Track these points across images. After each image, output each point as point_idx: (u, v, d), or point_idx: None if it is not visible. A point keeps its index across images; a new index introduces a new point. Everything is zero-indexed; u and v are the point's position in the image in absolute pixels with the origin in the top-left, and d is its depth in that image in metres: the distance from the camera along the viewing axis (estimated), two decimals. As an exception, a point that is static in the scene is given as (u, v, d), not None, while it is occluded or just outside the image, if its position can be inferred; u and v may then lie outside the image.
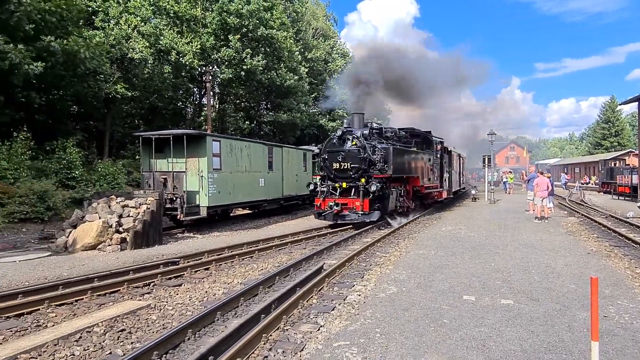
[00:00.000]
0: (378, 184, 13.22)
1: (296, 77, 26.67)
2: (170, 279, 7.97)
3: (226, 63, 22.52)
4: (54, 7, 14.73)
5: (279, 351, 4.64)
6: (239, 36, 21.82)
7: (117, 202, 11.61)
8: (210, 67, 23.10)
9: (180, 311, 6.24)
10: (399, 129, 16.81)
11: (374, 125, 15.44)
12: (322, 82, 32.46)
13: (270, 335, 4.98)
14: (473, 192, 27.45)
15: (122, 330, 5.42)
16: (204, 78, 23.50)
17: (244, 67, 22.41)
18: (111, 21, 18.12)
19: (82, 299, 6.67)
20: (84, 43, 15.51)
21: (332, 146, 14.47)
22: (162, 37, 19.46)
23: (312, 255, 9.62)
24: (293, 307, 5.88)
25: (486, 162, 25.92)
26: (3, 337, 5.21)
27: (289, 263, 8.78)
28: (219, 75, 23.03)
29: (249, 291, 6.73)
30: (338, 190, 14.01)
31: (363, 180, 13.53)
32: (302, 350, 4.61)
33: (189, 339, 4.99)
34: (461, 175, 29.58)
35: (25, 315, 5.97)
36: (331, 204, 13.68)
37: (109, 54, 16.65)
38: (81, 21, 17.63)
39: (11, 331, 5.40)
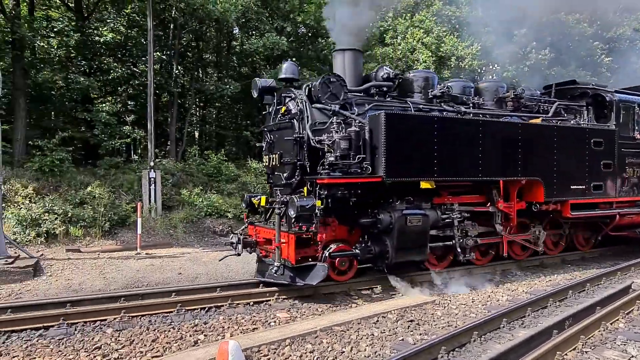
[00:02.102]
0: (309, 202, 6.37)
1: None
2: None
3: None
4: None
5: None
6: (524, 30, 20.54)
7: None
8: (491, 67, 22.51)
9: (464, 311, 6.38)
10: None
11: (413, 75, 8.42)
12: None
13: (566, 355, 4.57)
14: None
15: (411, 320, 5.93)
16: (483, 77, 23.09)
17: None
18: (399, 37, 19.87)
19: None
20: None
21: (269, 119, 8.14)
22: (442, 45, 20.12)
23: (615, 271, 8.27)
24: (593, 327, 5.23)
25: None
26: (321, 311, 6.43)
27: (585, 277, 7.80)
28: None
29: (536, 302, 6.33)
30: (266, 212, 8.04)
31: (306, 189, 6.98)
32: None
33: (474, 340, 5.06)
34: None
35: (335, 295, 7.20)
36: (238, 238, 7.30)
37: (397, 67, 18.35)
38: (374, 41, 19.96)
39: (328, 307, 6.60)
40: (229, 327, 5.64)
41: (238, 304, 6.59)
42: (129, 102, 19.44)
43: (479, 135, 7.67)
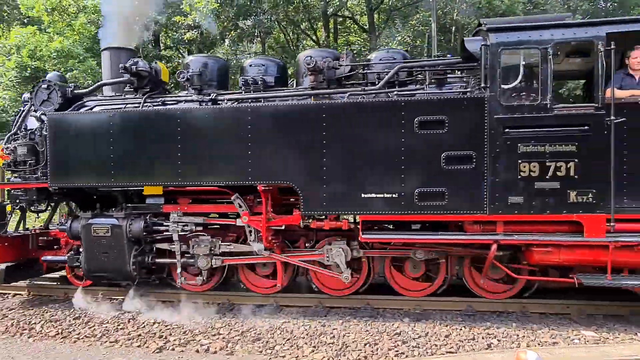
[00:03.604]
0: None
1: None
2: None
3: None
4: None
5: None
6: None
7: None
8: None
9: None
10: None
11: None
12: None
13: None
14: None
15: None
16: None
17: None
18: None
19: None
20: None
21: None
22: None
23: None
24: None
25: None
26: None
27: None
28: None
29: None
30: None
31: None
32: None
33: None
34: None
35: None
36: None
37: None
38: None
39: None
40: (524, 337, 5.26)
41: (532, 312, 6.06)
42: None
43: (177, 130, 6.06)
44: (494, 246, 5.50)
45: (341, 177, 5.72)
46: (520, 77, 5.36)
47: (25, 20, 19.36)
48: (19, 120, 7.14)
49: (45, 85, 6.94)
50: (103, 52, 7.66)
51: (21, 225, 7.27)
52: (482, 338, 5.21)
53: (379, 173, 5.63)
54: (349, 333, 5.43)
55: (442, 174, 5.49)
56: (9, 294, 7.55)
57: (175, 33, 17.10)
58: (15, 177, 6.86)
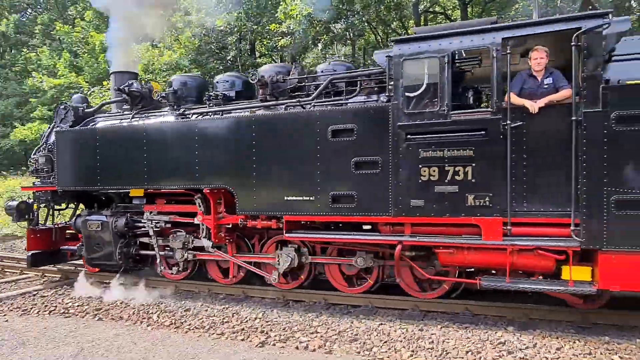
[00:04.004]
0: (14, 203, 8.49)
1: None
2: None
3: None
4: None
5: None
6: None
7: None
8: None
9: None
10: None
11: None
12: None
13: None
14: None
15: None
16: None
17: None
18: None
19: None
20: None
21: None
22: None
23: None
24: None
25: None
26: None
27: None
28: None
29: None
30: None
31: None
32: None
33: None
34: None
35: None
36: None
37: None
38: None
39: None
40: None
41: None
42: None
43: (143, 142, 7.19)
44: (399, 247, 5.80)
45: (268, 182, 6.40)
46: (423, 86, 5.60)
47: (140, 38, 21.87)
48: (45, 135, 8.81)
49: (62, 106, 8.52)
50: (110, 75, 9.11)
51: (49, 220, 8.93)
52: (601, 354, 4.77)
53: (299, 178, 6.22)
54: (448, 339, 5.26)
55: (352, 178, 5.92)
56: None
57: (269, 41, 17.81)
58: (37, 182, 8.51)
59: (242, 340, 5.63)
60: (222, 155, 6.67)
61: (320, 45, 16.22)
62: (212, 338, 5.75)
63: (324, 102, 6.60)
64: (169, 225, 7.54)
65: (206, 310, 6.66)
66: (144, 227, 7.65)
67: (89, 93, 18.60)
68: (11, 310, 7.11)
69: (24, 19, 28.93)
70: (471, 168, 5.38)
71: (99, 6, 12.21)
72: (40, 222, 8.76)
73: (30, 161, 8.61)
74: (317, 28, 14.97)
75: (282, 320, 6.14)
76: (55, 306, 7.20)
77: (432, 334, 5.41)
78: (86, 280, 8.13)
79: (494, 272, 5.86)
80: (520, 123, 5.20)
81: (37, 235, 8.58)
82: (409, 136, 5.64)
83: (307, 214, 6.22)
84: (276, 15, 14.99)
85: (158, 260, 7.63)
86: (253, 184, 6.47)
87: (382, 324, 5.85)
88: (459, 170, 5.44)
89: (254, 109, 6.90)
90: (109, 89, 15.19)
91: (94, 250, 7.84)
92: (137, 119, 7.93)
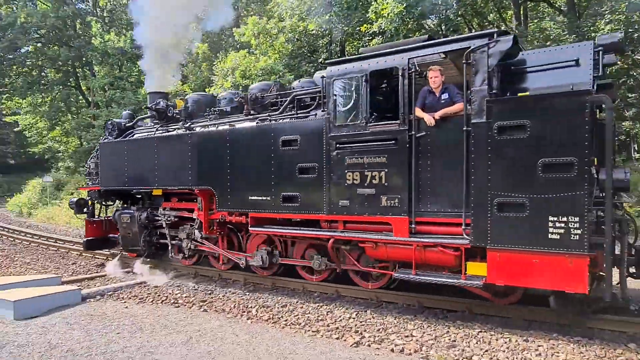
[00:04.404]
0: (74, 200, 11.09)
1: None
2: None
3: None
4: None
5: None
6: None
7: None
8: None
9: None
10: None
11: None
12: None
13: None
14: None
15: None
16: None
17: None
18: None
19: None
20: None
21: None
22: None
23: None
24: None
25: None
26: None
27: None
28: None
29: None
30: None
31: None
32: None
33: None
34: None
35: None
36: None
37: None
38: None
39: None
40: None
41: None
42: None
43: (155, 150, 8.89)
44: (331, 240, 6.74)
45: (237, 184, 7.70)
46: (348, 102, 6.50)
47: (237, 46, 22.77)
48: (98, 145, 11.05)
49: (110, 122, 10.62)
50: (147, 95, 11.11)
51: (102, 214, 11.13)
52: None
53: (259, 181, 7.41)
54: (558, 352, 4.97)
55: (296, 181, 6.98)
56: (230, 279, 8.87)
57: (359, 42, 17.78)
58: (90, 183, 10.72)
59: (337, 339, 5.61)
60: (206, 161, 8.11)
61: (412, 43, 16.24)
62: (308, 335, 5.79)
63: (288, 115, 7.68)
64: (177, 219, 9.16)
65: (302, 307, 6.87)
66: (159, 220, 9.37)
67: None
68: (130, 298, 7.74)
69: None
70: (385, 173, 6.17)
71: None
72: (95, 215, 10.97)
73: (85, 166, 10.87)
74: (410, 25, 14.49)
75: (376, 321, 6.13)
76: (167, 296, 7.73)
77: (539, 346, 5.11)
78: (119, 262, 10.16)
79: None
80: (424, 133, 5.90)
81: (92, 225, 10.78)
82: (338, 145, 6.56)
83: (266, 212, 7.38)
84: (367, 15, 15.01)
85: (170, 248, 9.28)
86: (228, 186, 7.80)
87: (481, 331, 5.63)
88: (375, 175, 6.25)
89: (234, 123, 8.21)
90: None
91: (127, 238, 9.75)
92: (161, 131, 9.69)
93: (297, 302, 7.14)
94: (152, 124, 10.29)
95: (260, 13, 21.04)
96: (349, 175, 6.46)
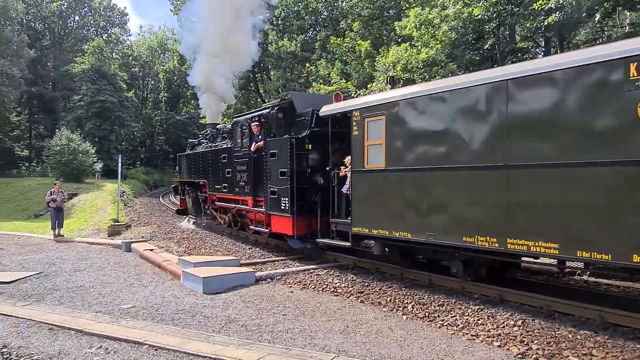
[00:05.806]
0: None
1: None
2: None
3: None
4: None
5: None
6: None
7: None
8: None
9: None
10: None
11: None
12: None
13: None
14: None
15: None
16: None
17: None
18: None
19: None
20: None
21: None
22: None
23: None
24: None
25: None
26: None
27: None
28: None
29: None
30: None
31: None
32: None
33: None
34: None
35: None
36: None
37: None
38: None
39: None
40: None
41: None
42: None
43: (191, 159, 17.14)
44: (234, 209, 13.48)
45: (215, 178, 14.35)
46: (243, 136, 12.21)
47: (399, 40, 21.30)
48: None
49: (189, 141, 18.67)
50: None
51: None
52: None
53: (222, 176, 13.68)
54: None
55: (227, 177, 13.30)
56: (387, 273, 8.66)
57: (532, 22, 16.48)
58: (177, 177, 18.99)
59: (499, 346, 5.16)
60: (204, 167, 15.29)
61: (598, 16, 14.16)
62: (467, 338, 5.44)
63: (222, 143, 14.79)
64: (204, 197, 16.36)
65: (460, 309, 6.46)
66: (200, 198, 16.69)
67: (355, 95, 19.29)
68: (295, 284, 8.14)
69: (307, 38, 34.94)
70: (246, 174, 12.05)
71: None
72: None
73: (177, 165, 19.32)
74: (591, -5, 12.75)
75: (546, 333, 5.47)
76: (327, 285, 7.97)
77: None
78: (188, 220, 17.92)
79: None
80: (255, 155, 11.52)
81: (182, 200, 19.25)
82: (236, 161, 12.62)
83: (223, 194, 13.70)
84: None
85: (208, 212, 16.18)
86: (210, 179, 14.74)
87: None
88: (244, 175, 12.18)
89: (213, 146, 15.30)
90: (372, 91, 18.05)
91: (193, 208, 17.38)
92: (209, 148, 16.34)
93: (454, 302, 6.77)
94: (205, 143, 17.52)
95: (422, 4, 20.24)
96: (239, 175, 12.51)
